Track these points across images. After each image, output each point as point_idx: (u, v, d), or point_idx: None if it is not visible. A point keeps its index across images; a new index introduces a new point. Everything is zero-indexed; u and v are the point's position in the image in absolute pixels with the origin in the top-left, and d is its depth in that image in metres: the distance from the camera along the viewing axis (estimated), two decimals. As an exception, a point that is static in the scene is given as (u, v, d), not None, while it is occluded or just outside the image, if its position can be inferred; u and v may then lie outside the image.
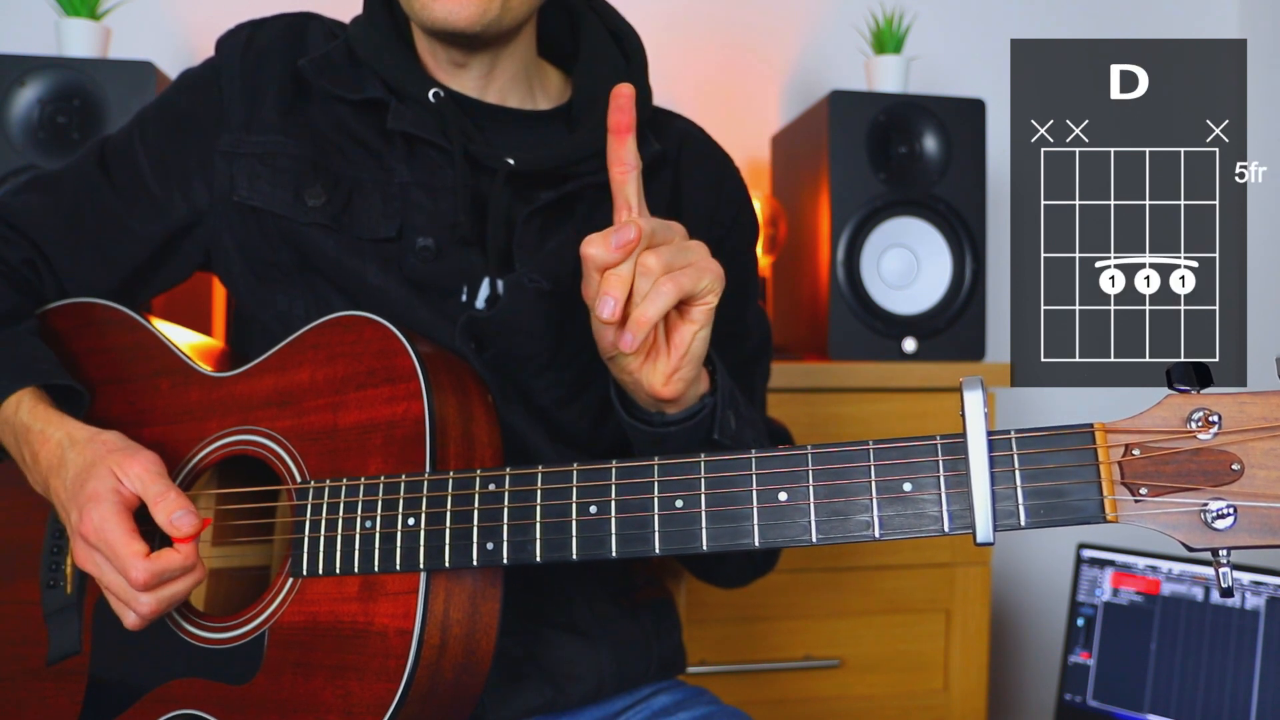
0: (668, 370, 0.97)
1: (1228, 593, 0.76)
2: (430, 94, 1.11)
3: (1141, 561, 1.83)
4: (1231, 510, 0.73)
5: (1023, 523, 0.77)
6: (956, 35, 2.43)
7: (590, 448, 1.17)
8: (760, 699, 1.83)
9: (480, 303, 1.11)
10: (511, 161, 1.11)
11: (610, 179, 0.97)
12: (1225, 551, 0.75)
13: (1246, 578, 1.72)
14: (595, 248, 0.91)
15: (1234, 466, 0.74)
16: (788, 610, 1.85)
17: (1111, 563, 1.85)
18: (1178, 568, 1.79)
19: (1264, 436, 0.73)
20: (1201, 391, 0.75)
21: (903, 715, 1.90)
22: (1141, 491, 0.75)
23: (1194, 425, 0.75)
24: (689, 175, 1.23)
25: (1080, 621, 1.86)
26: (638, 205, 0.96)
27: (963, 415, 0.78)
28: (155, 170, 1.16)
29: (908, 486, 0.80)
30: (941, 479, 0.80)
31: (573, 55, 1.22)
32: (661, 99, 1.25)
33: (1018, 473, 0.77)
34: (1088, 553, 1.88)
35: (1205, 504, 0.74)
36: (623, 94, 0.96)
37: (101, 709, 1.04)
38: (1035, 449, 0.78)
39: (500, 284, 1.11)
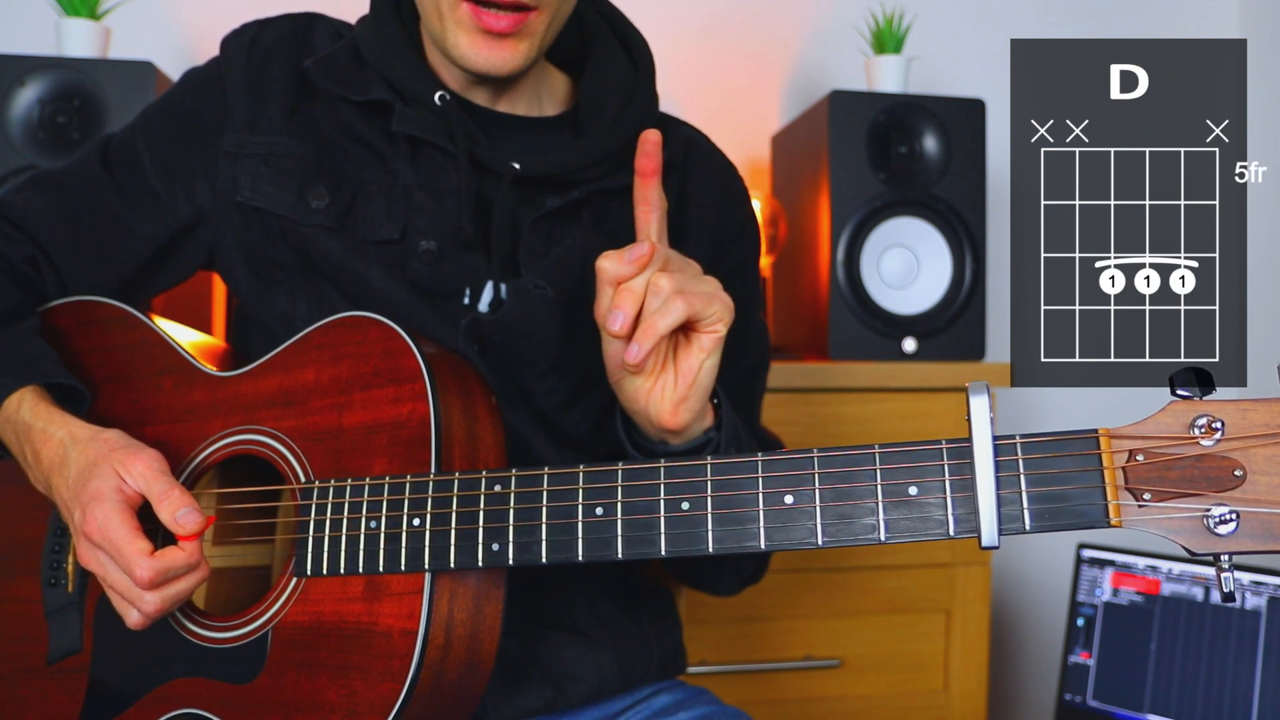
0: (675, 399, 0.98)
1: (1229, 597, 0.77)
2: (436, 97, 1.11)
3: (1141, 561, 1.83)
4: (1234, 516, 0.74)
5: (1027, 527, 0.78)
6: (956, 35, 2.43)
7: (592, 451, 1.17)
8: (760, 699, 1.83)
9: (483, 306, 1.11)
10: (517, 166, 1.11)
11: (635, 216, 1.01)
12: (1227, 556, 0.76)
13: (1247, 578, 1.72)
14: (609, 261, 0.94)
15: (1236, 472, 0.75)
16: (788, 610, 1.85)
17: (1111, 563, 1.85)
18: (1178, 568, 1.79)
19: (1266, 443, 0.74)
20: (1204, 398, 0.76)
21: (903, 715, 1.90)
22: (1145, 497, 0.76)
23: (1197, 431, 0.75)
24: (695, 183, 1.22)
25: (1080, 621, 1.86)
26: (658, 238, 0.99)
27: (968, 420, 0.78)
28: (158, 169, 1.16)
29: (913, 490, 0.81)
30: (947, 483, 0.80)
31: (579, 60, 1.22)
32: (663, 99, 1.25)
33: (1022, 477, 0.78)
34: (1088, 553, 1.88)
35: (1208, 509, 0.75)
36: (650, 140, 1.00)
37: (102, 707, 1.04)
38: (1040, 454, 0.78)
39: (503, 288, 1.11)
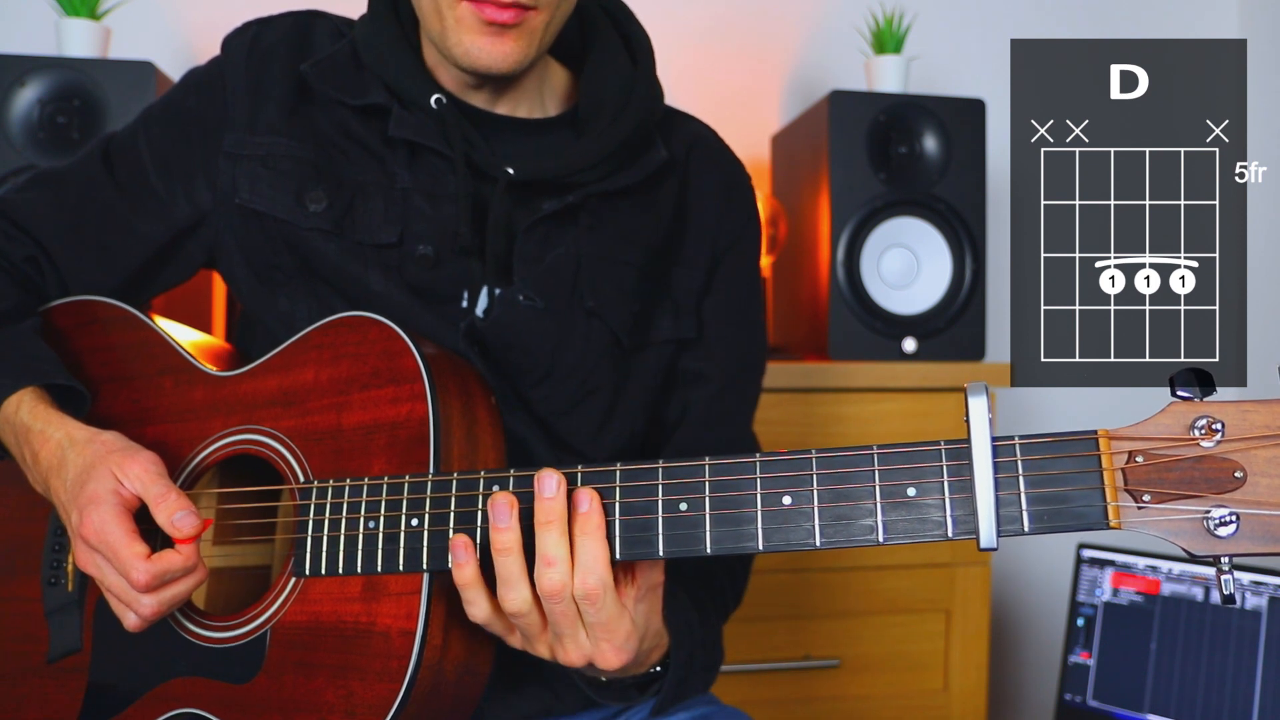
0: None
1: (1229, 599, 0.76)
2: (433, 100, 1.11)
3: (1141, 561, 1.83)
4: (1234, 518, 0.74)
5: (1026, 528, 0.77)
6: (956, 35, 2.43)
7: (591, 456, 1.16)
8: (760, 699, 1.83)
9: (480, 311, 1.11)
10: (511, 171, 1.10)
11: None
12: (1227, 558, 0.75)
13: (1247, 578, 1.72)
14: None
15: (1236, 474, 0.74)
16: (788, 610, 1.85)
17: (1111, 563, 1.85)
18: (1178, 568, 1.79)
19: (1266, 445, 0.74)
20: (1205, 399, 0.76)
21: (903, 715, 1.90)
22: (1144, 498, 0.75)
23: (1197, 433, 0.75)
24: (696, 182, 1.21)
25: (1080, 621, 1.86)
26: None
27: (967, 421, 0.78)
28: (159, 170, 1.16)
29: (912, 491, 0.80)
30: (945, 484, 0.80)
31: (581, 55, 1.21)
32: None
33: (1021, 478, 0.78)
34: (1088, 553, 1.88)
35: (1208, 511, 0.74)
36: None
37: (102, 707, 1.04)
38: (1039, 455, 0.78)
39: (498, 294, 1.11)
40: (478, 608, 0.90)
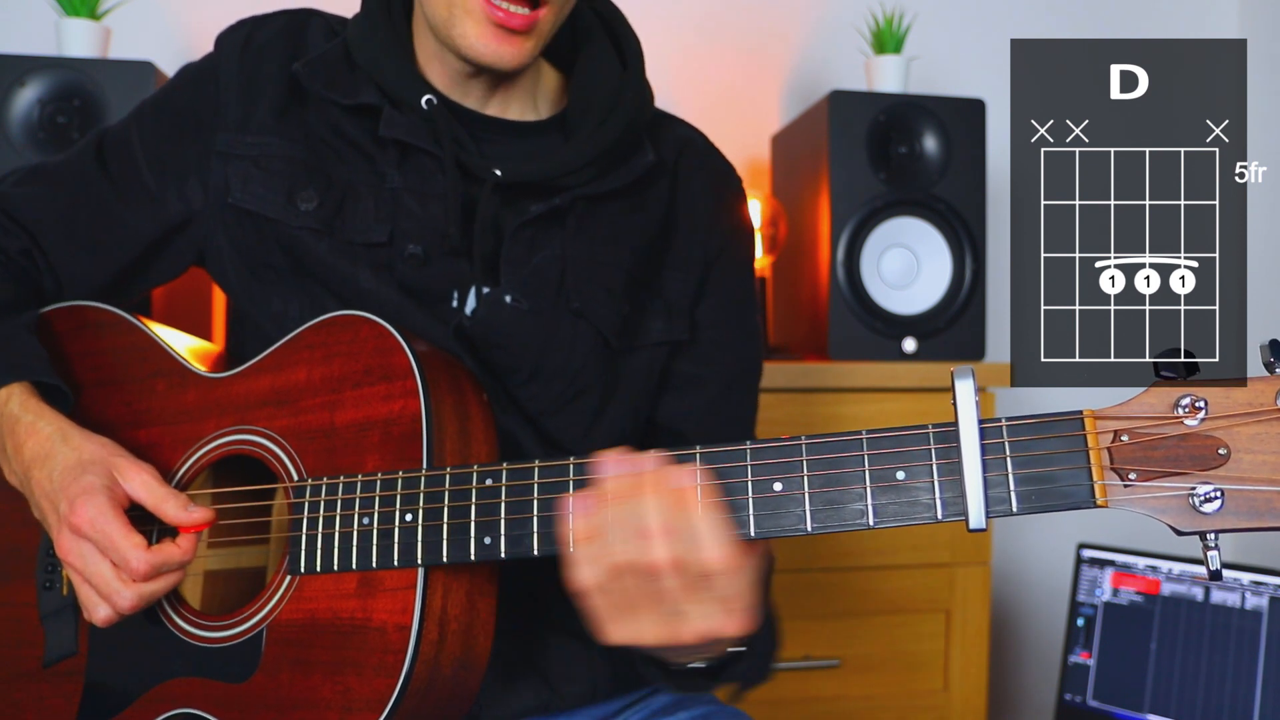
0: None
1: (1216, 575, 0.77)
2: (423, 101, 1.11)
3: (1141, 561, 1.83)
4: (1219, 494, 0.75)
5: (1015, 508, 0.78)
6: (956, 35, 2.43)
7: (581, 455, 1.16)
8: (760, 699, 1.82)
9: (469, 311, 1.11)
10: (499, 173, 1.10)
11: None
12: (1213, 535, 0.76)
13: (1247, 578, 1.72)
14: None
15: (1220, 451, 0.75)
16: (788, 610, 1.84)
17: (1111, 563, 1.85)
18: (1178, 568, 1.79)
19: (1249, 421, 0.75)
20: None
21: (903, 715, 1.90)
22: (1130, 476, 0.76)
23: (1181, 411, 0.76)
24: (686, 185, 1.21)
25: (1080, 621, 1.86)
26: None
27: (954, 404, 0.79)
28: (151, 166, 1.16)
29: (901, 475, 0.81)
30: (934, 467, 0.80)
31: (572, 57, 1.21)
32: (662, 99, 1.24)
33: (1009, 459, 0.78)
34: (1088, 553, 1.88)
35: (1193, 488, 0.75)
36: None
37: (99, 709, 1.04)
38: (1026, 436, 0.78)
39: (485, 294, 1.11)
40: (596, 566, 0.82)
